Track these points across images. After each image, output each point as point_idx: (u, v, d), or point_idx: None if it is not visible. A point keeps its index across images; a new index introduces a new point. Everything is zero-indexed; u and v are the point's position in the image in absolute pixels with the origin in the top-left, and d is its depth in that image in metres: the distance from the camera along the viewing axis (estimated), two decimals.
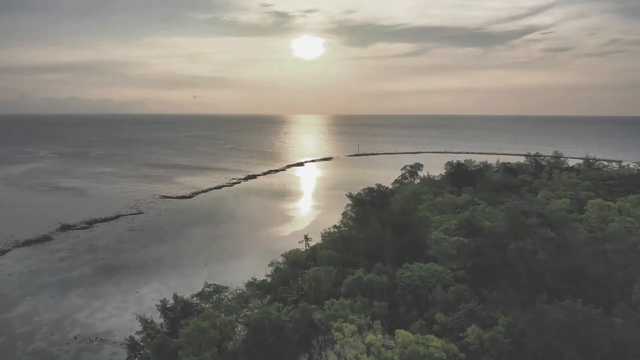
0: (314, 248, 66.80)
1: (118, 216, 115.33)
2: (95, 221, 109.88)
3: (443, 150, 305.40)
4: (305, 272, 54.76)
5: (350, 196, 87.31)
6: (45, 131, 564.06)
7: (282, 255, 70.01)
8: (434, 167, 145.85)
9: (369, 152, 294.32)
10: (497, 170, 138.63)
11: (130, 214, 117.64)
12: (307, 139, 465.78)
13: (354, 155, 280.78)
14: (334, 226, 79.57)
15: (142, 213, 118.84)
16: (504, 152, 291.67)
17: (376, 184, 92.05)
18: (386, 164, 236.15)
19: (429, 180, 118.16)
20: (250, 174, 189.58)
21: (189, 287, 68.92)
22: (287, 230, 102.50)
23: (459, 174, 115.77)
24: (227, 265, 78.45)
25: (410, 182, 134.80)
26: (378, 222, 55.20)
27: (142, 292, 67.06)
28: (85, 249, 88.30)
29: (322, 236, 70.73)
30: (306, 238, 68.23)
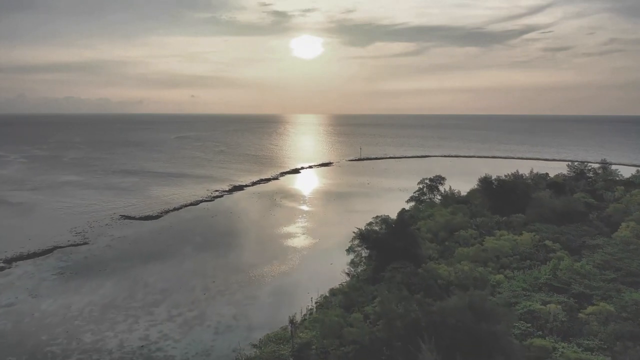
0: (306, 342, 39.96)
1: (53, 248, 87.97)
2: (20, 257, 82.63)
3: (453, 154, 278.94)
4: None
5: (360, 235, 61.28)
6: (33, 132, 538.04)
7: (254, 345, 43.57)
8: (449, 174, 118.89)
9: (372, 156, 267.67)
10: (531, 181, 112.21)
11: (70, 245, 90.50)
12: (304, 141, 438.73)
13: (355, 160, 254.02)
14: (341, 284, 53.21)
15: (86, 243, 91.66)
16: (518, 155, 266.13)
17: (397, 214, 65.86)
18: (392, 170, 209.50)
19: (460, 203, 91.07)
20: (237, 184, 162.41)
21: None
22: (270, 273, 75.35)
23: (497, 193, 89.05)
24: (174, 347, 51.46)
25: (430, 199, 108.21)
26: (421, 321, 28.58)
27: None
28: None
29: (316, 320, 43.94)
30: (292, 322, 41.46)
